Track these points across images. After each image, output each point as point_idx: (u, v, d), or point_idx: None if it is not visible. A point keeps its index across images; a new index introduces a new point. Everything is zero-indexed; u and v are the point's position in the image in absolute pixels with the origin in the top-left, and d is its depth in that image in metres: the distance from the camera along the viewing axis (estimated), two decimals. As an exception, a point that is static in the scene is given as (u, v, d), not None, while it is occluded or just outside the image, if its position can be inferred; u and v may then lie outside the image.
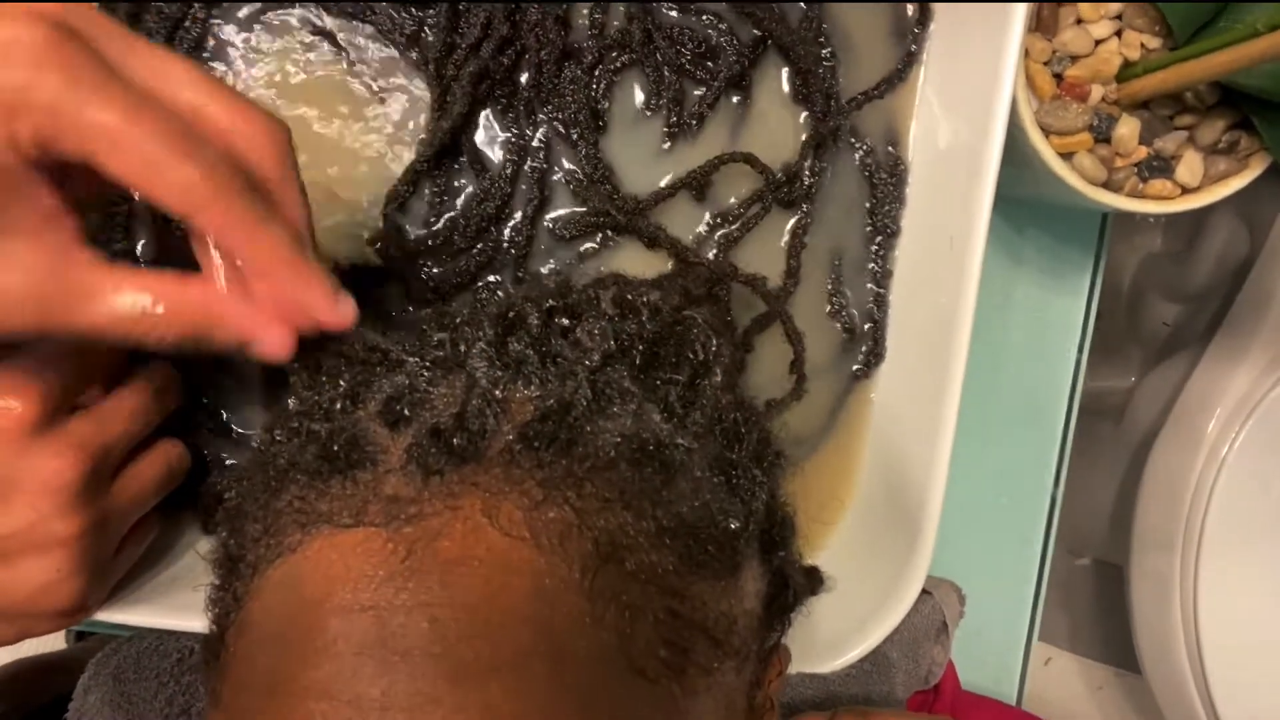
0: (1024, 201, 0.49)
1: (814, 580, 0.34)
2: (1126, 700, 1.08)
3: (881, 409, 0.43)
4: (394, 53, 0.40)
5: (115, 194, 0.34)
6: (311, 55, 0.40)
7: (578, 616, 0.23)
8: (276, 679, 0.23)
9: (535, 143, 0.41)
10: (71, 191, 0.27)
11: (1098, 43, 0.41)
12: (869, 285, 0.43)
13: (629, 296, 0.31)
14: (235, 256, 0.27)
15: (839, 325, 0.43)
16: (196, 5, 0.39)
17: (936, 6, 0.41)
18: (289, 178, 0.29)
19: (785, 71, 0.42)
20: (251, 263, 0.27)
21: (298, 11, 0.40)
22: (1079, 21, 0.41)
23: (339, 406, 0.27)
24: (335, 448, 0.25)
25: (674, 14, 0.41)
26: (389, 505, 0.24)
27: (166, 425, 0.37)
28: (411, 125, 0.41)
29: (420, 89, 0.40)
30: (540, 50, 0.40)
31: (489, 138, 0.41)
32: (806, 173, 0.42)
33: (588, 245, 0.42)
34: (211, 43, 0.40)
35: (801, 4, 0.41)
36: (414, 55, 0.40)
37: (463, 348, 0.28)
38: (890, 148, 0.42)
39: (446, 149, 0.40)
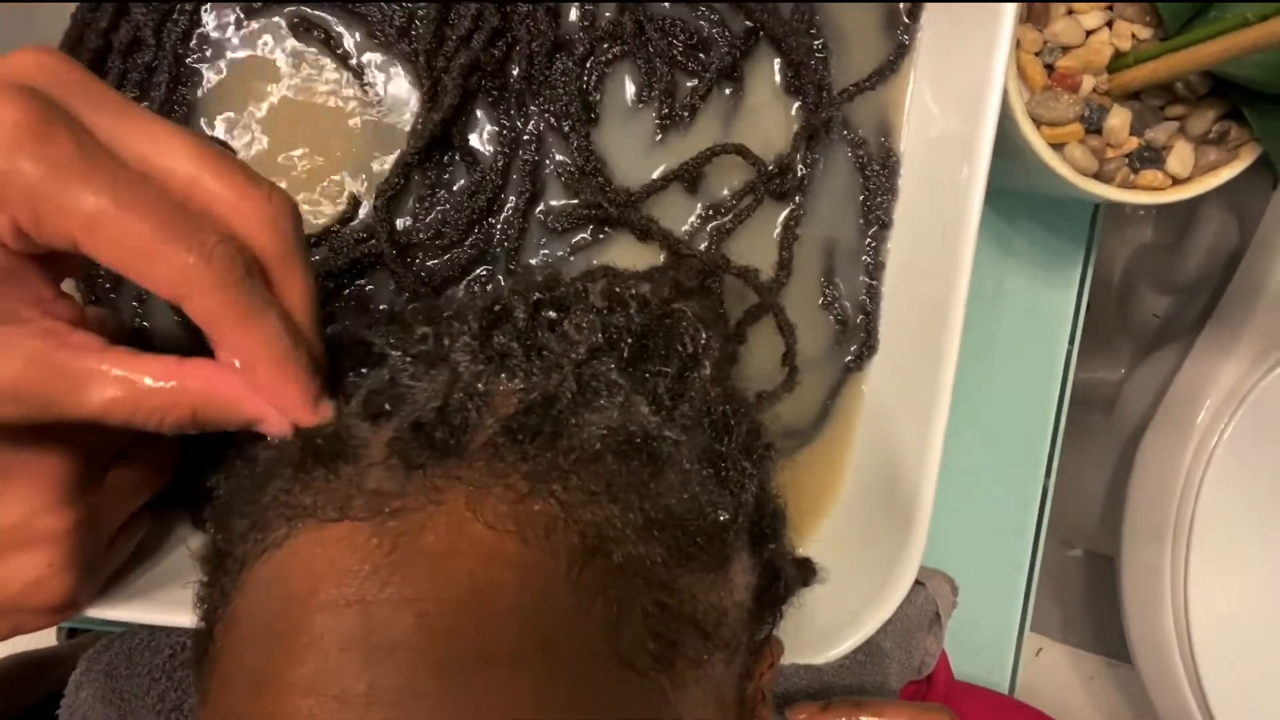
0: (1015, 192, 0.49)
1: (806, 572, 0.34)
2: (1117, 690, 1.09)
3: (873, 401, 0.43)
4: (383, 44, 0.40)
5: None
6: (300, 44, 0.40)
7: (564, 610, 0.23)
8: (263, 675, 0.23)
9: (527, 135, 0.41)
10: (66, 268, 0.26)
11: (1089, 33, 0.41)
12: (861, 277, 0.43)
13: (617, 289, 0.31)
14: (224, 345, 0.26)
15: (831, 317, 0.43)
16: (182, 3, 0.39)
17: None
18: (292, 256, 0.26)
19: (777, 63, 0.42)
20: (240, 354, 0.26)
21: (286, 11, 0.40)
22: (1070, 12, 0.41)
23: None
24: (319, 441, 0.25)
25: (666, 5, 0.41)
26: (372, 499, 0.24)
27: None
28: (403, 117, 0.40)
29: (410, 81, 0.40)
30: (531, 42, 0.40)
31: (480, 130, 0.41)
32: (799, 164, 0.42)
33: (580, 237, 0.42)
34: (199, 32, 0.40)
35: (792, -2, 0.41)
36: (404, 48, 0.40)
37: (446, 341, 0.27)
38: (882, 139, 0.42)
39: (437, 141, 0.40)
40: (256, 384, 0.26)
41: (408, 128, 0.40)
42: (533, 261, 0.41)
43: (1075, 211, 0.51)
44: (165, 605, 0.37)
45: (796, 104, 0.42)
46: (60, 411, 0.25)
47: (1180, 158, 0.41)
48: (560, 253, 0.42)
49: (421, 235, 0.40)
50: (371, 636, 0.22)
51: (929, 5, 0.40)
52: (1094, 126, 0.41)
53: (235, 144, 0.40)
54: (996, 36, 0.36)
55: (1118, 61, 0.41)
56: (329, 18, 0.40)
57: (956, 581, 0.47)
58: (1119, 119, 0.41)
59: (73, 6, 0.39)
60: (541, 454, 0.24)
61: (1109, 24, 0.41)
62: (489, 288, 0.41)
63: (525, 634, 0.22)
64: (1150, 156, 0.41)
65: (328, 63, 0.40)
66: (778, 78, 0.42)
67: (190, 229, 0.24)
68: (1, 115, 0.22)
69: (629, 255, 0.42)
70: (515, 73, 0.40)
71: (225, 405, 0.27)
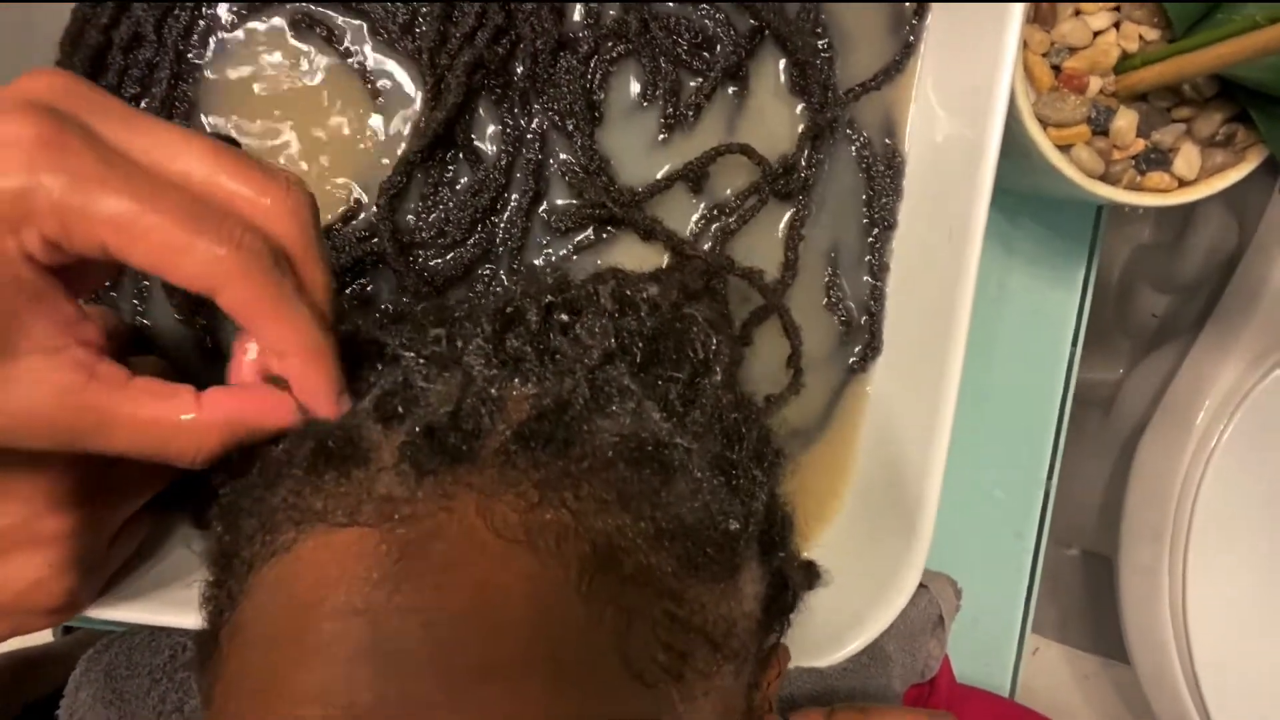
0: (1019, 192, 0.49)
1: (811, 575, 0.34)
2: (1114, 690, 1.09)
3: (877, 402, 0.43)
4: (386, 42, 0.40)
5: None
6: (302, 42, 0.40)
7: (574, 620, 0.22)
8: (269, 682, 0.22)
9: (530, 134, 0.40)
10: (88, 283, 0.26)
11: (1096, 34, 0.40)
12: (866, 278, 0.43)
13: (628, 292, 0.31)
14: (256, 334, 0.26)
15: (836, 318, 0.43)
16: (186, -5, 0.39)
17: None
18: (313, 248, 0.27)
19: (782, 63, 0.41)
20: (273, 342, 0.26)
21: (288, 8, 0.39)
22: (1078, 13, 0.40)
23: None
24: (330, 443, 0.25)
25: (670, 4, 0.40)
26: (382, 505, 0.23)
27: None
28: (406, 115, 0.40)
29: (413, 79, 0.40)
30: (535, 40, 0.39)
31: (483, 129, 0.40)
32: (803, 165, 0.41)
33: (583, 237, 0.41)
34: (200, 29, 0.39)
35: (798, -4, 0.41)
36: (407, 45, 0.39)
37: (459, 344, 0.27)
38: (887, 140, 0.42)
39: (440, 140, 0.39)
40: (287, 372, 0.27)
41: (410, 126, 0.40)
42: (536, 261, 0.41)
43: (1079, 212, 0.51)
44: (165, 606, 0.36)
45: (801, 104, 0.42)
46: (86, 447, 0.26)
47: (1187, 160, 0.41)
48: (563, 252, 0.41)
49: (424, 234, 0.40)
50: (379, 645, 0.21)
51: (935, 6, 0.40)
52: (1101, 128, 0.41)
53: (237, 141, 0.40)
54: (1003, 37, 0.36)
55: (1125, 63, 0.40)
56: (332, 15, 0.40)
57: (959, 584, 0.47)
58: (1126, 121, 0.40)
59: (73, 4, 0.38)
60: (553, 461, 0.24)
61: (1116, 25, 0.40)
62: (492, 287, 0.41)
63: (534, 644, 0.22)
64: (1157, 158, 0.41)
65: (330, 60, 0.40)
66: (783, 77, 0.42)
67: (216, 222, 0.24)
68: (18, 133, 0.22)
69: (632, 255, 0.42)
70: (519, 71, 0.40)
71: (249, 426, 0.27)
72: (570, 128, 0.40)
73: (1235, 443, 0.73)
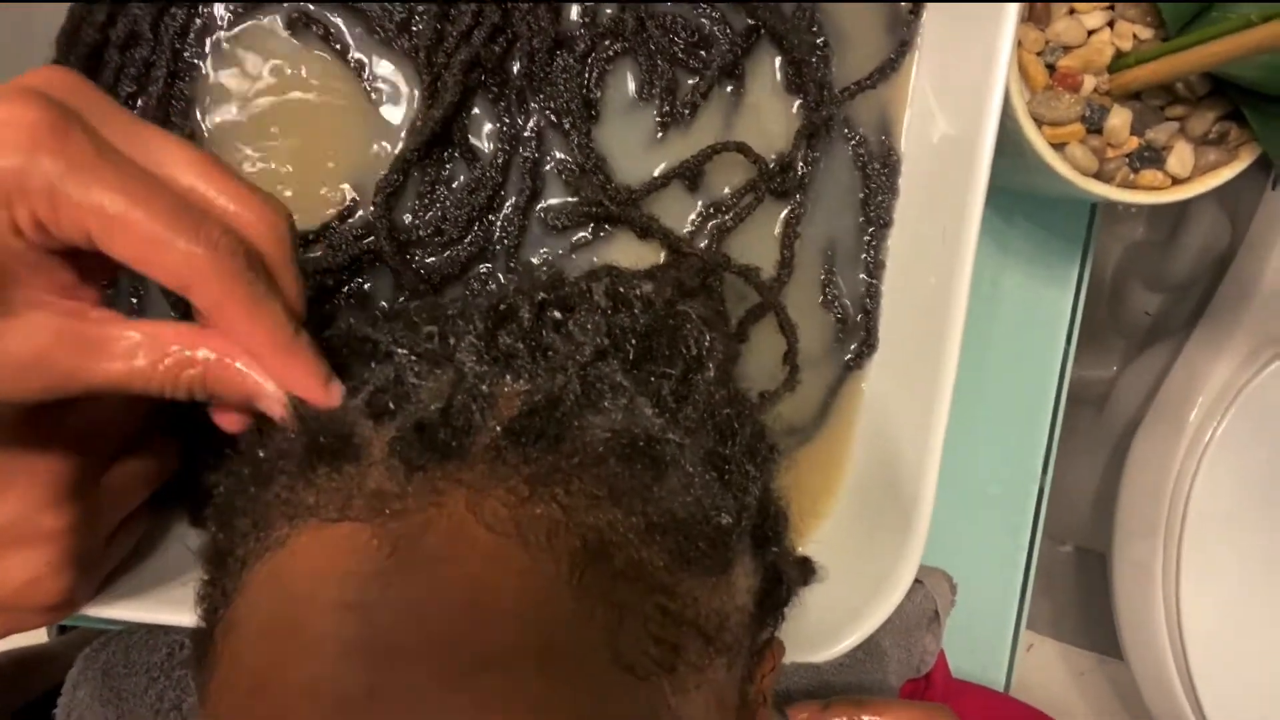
0: (1013, 190, 0.49)
1: (806, 571, 0.34)
2: (1108, 686, 1.10)
3: (873, 399, 0.43)
4: (382, 40, 0.40)
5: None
6: (299, 40, 0.40)
7: (566, 614, 0.23)
8: (263, 677, 0.22)
9: (527, 132, 0.40)
10: (90, 265, 0.27)
11: (1090, 33, 0.41)
12: (861, 275, 0.43)
13: (621, 289, 0.31)
14: (230, 333, 0.27)
15: (832, 315, 0.43)
16: (182, -8, 0.39)
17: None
18: (287, 260, 0.28)
19: (778, 61, 0.42)
20: (246, 341, 0.27)
21: (285, 6, 0.39)
22: (1072, 12, 0.41)
23: None
24: (322, 439, 0.25)
25: (667, 3, 0.41)
26: (373, 500, 0.23)
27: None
28: (402, 114, 0.40)
29: (410, 77, 0.40)
30: (532, 38, 0.39)
31: (480, 127, 0.40)
32: (800, 163, 0.42)
33: (580, 235, 0.42)
34: (197, 27, 0.39)
35: (794, -6, 0.41)
36: (404, 43, 0.39)
37: (452, 341, 0.27)
38: (883, 138, 0.42)
39: (437, 138, 0.40)
40: (266, 370, 0.27)
41: (407, 124, 0.40)
42: (533, 259, 0.41)
43: (1072, 210, 0.51)
44: (163, 604, 0.36)
45: (798, 102, 0.42)
46: (85, 380, 0.26)
47: (1180, 158, 0.41)
48: (560, 250, 0.41)
49: (421, 232, 0.40)
50: (372, 639, 0.22)
51: (930, 5, 0.40)
52: (1095, 126, 0.41)
53: (234, 140, 0.40)
54: (998, 36, 0.36)
55: (1119, 61, 0.41)
56: (328, 13, 0.40)
57: (955, 580, 0.48)
58: (1120, 119, 0.41)
59: (70, 2, 0.38)
60: (544, 457, 0.24)
61: (1110, 24, 0.41)
62: (489, 285, 0.41)
63: (525, 637, 0.22)
64: (1150, 156, 0.41)
65: (327, 58, 0.40)
66: (779, 76, 0.42)
67: (196, 221, 0.25)
68: (22, 115, 0.23)
69: (629, 253, 0.42)
70: (516, 69, 0.40)
71: (235, 374, 0.27)
72: (567, 126, 0.40)
73: (1229, 439, 0.74)
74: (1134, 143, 0.41)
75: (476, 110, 0.40)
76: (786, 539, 0.31)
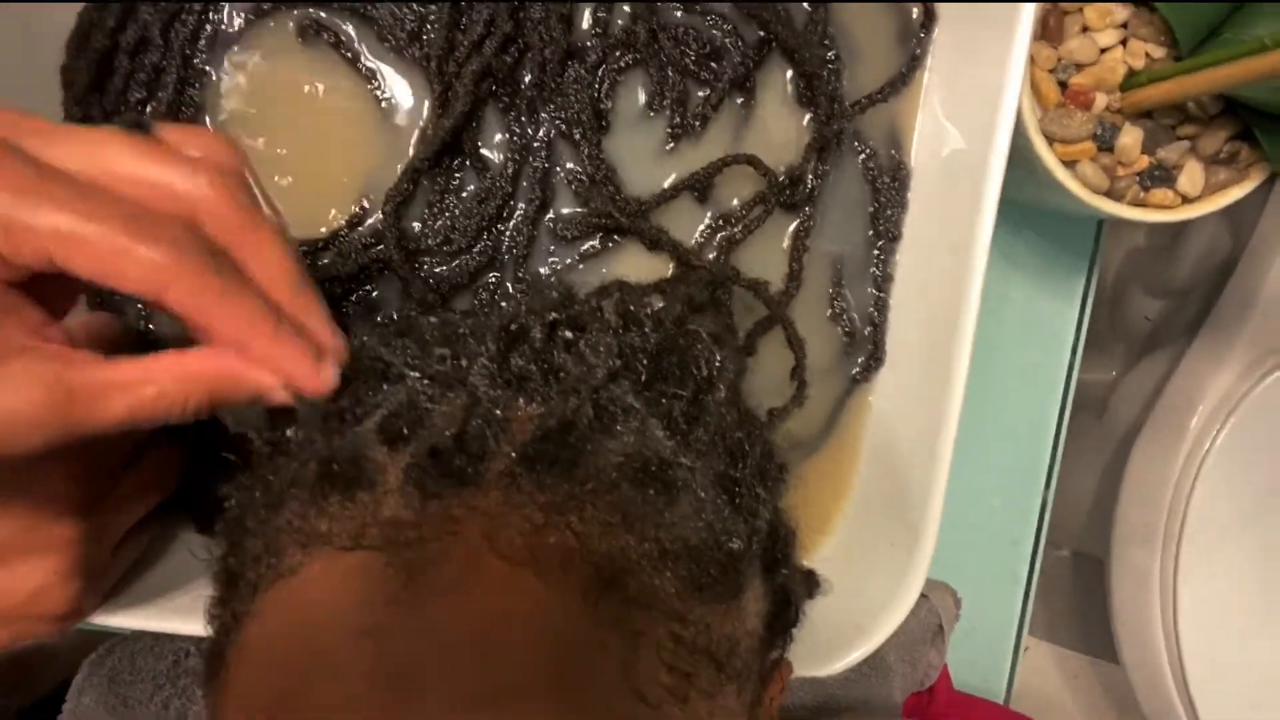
0: (1021, 203, 0.49)
1: (810, 584, 0.34)
2: (1102, 689, 1.10)
3: (880, 413, 0.43)
4: (394, 49, 0.39)
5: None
6: (310, 47, 0.40)
7: (579, 642, 0.23)
8: (277, 702, 0.22)
9: (537, 142, 0.40)
10: (54, 291, 0.26)
11: (1103, 51, 0.41)
12: (870, 289, 0.43)
13: (631, 307, 0.31)
14: (212, 333, 0.27)
15: (839, 329, 0.43)
16: (192, 4, 0.39)
17: (942, 11, 0.40)
18: (251, 218, 0.27)
19: (789, 74, 0.41)
20: (226, 336, 0.26)
21: (296, 13, 0.39)
22: (1085, 30, 0.41)
23: (341, 420, 0.26)
24: (335, 466, 0.25)
25: (679, 14, 0.40)
26: (388, 528, 0.23)
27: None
28: (413, 122, 0.40)
29: (420, 86, 0.40)
30: (544, 49, 0.39)
31: (490, 136, 0.40)
32: (810, 176, 0.42)
33: (589, 246, 0.41)
34: (207, 33, 0.39)
35: (805, 5, 0.41)
36: (415, 52, 0.39)
37: (464, 363, 0.27)
38: (893, 152, 0.42)
39: (447, 147, 0.39)
40: (254, 360, 0.27)
41: (417, 133, 0.40)
42: (542, 270, 0.41)
43: (1080, 224, 0.51)
44: (168, 613, 0.36)
45: (808, 115, 0.42)
46: (86, 428, 0.26)
47: (1191, 177, 0.41)
48: (569, 260, 0.41)
49: (430, 241, 0.40)
50: (387, 667, 0.22)
51: (944, 19, 0.40)
52: (1106, 144, 0.41)
53: (244, 146, 0.40)
54: (1011, 51, 0.36)
55: (1131, 80, 0.41)
56: (339, 21, 0.39)
57: (958, 593, 0.48)
58: (1131, 137, 0.41)
59: (79, 6, 0.38)
60: (558, 484, 0.24)
61: (1123, 42, 0.41)
62: (497, 294, 0.41)
63: (539, 666, 0.22)
64: (1161, 175, 0.41)
65: (337, 66, 0.40)
66: (790, 88, 0.42)
67: (153, 224, 0.24)
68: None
69: (638, 264, 0.42)
70: (527, 79, 0.40)
71: (234, 379, 0.27)
72: (577, 136, 0.40)
73: (1228, 448, 0.74)
74: (1145, 161, 0.41)
75: (487, 120, 0.40)
76: (794, 559, 0.31)
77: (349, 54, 0.40)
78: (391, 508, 0.24)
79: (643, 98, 0.41)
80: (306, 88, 0.40)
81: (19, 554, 0.31)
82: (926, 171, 0.42)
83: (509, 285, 0.41)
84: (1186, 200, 0.42)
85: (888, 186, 0.42)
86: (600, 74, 0.40)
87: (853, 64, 0.41)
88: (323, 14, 0.39)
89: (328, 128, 0.40)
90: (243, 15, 0.39)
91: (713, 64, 0.41)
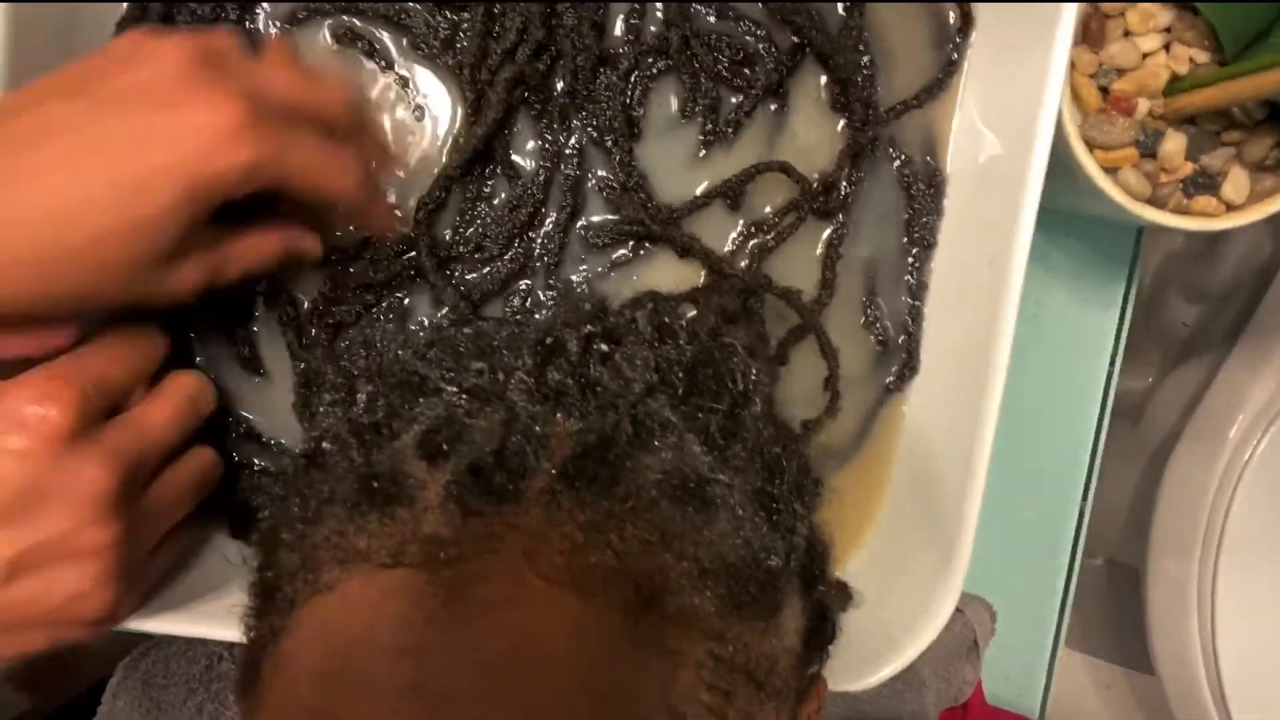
0: (1059, 210, 0.48)
1: (843, 596, 0.34)
2: (1136, 700, 1.08)
3: (914, 422, 0.43)
4: (427, 56, 0.39)
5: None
6: (345, 55, 0.40)
7: (619, 662, 0.22)
8: (315, 717, 0.22)
9: (569, 149, 0.40)
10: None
11: (1145, 56, 0.40)
12: (904, 297, 0.42)
13: (666, 319, 0.30)
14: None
15: (872, 337, 0.42)
16: (229, 7, 0.39)
17: (980, 13, 0.40)
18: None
19: (823, 79, 0.41)
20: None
21: (330, 22, 0.39)
22: (1127, 34, 0.40)
23: (378, 434, 0.26)
24: (374, 482, 0.25)
25: (711, 20, 0.40)
26: (428, 545, 0.23)
27: (196, 431, 0.37)
28: (445, 130, 0.40)
29: (453, 93, 0.40)
30: (576, 56, 0.39)
31: (522, 144, 0.40)
32: (843, 183, 0.41)
33: (620, 253, 0.41)
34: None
35: (840, 9, 0.40)
36: (448, 60, 0.39)
37: (501, 376, 0.27)
38: (928, 158, 0.41)
39: (479, 154, 0.39)
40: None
41: (450, 141, 0.40)
42: (573, 277, 0.41)
43: (1119, 231, 0.50)
44: (201, 618, 0.37)
45: (842, 121, 0.41)
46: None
47: (1235, 184, 0.40)
48: (600, 268, 0.41)
49: (462, 249, 0.40)
50: (427, 684, 0.22)
51: (981, 22, 0.40)
52: (1148, 151, 0.40)
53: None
54: (1051, 57, 0.36)
55: (1174, 85, 0.40)
56: (373, 29, 0.40)
57: (994, 607, 0.47)
58: (1174, 144, 0.40)
59: (118, 12, 0.38)
60: (598, 502, 0.24)
61: (1166, 47, 0.40)
62: (529, 302, 0.41)
63: (579, 685, 0.22)
64: (1205, 182, 0.40)
65: (372, 74, 0.40)
66: (824, 95, 0.41)
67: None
68: (231, 118, 0.30)
69: (669, 272, 0.41)
70: (559, 86, 0.40)
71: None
72: (609, 143, 0.40)
73: (1270, 457, 0.72)
74: (1188, 168, 0.40)
75: (519, 127, 0.40)
76: (830, 574, 0.31)
77: (383, 62, 0.40)
78: (432, 525, 0.24)
79: (675, 104, 0.41)
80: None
81: (56, 560, 0.32)
82: (963, 178, 0.41)
83: (540, 293, 0.41)
84: (1231, 208, 0.41)
85: (923, 193, 0.41)
86: (632, 80, 0.40)
87: (887, 69, 0.41)
88: (357, 21, 0.39)
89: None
90: (277, 25, 0.39)
91: (746, 70, 0.40)
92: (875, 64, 0.41)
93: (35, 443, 0.30)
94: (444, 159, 0.40)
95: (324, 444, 0.27)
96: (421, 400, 0.27)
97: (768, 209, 0.42)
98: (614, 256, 0.41)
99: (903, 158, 0.41)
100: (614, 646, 0.22)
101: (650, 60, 0.40)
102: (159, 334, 0.37)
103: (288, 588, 0.25)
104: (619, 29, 0.40)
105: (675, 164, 0.41)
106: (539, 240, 0.41)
